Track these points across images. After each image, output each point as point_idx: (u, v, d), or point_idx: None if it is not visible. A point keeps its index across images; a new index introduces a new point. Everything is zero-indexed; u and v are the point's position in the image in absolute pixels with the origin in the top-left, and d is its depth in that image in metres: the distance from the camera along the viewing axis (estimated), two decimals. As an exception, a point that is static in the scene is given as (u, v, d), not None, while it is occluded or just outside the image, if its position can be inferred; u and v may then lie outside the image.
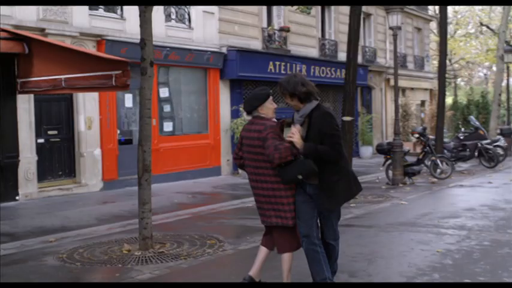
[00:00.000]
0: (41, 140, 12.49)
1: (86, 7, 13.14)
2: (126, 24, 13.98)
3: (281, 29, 18.97)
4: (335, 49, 21.86)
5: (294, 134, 4.81)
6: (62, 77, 10.05)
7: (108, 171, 13.59)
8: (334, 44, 21.87)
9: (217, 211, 10.83)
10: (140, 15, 7.22)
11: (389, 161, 14.18)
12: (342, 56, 21.91)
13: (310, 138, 4.81)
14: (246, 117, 6.35)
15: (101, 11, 13.70)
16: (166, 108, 15.23)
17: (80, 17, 12.98)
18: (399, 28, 14.17)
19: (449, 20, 40.35)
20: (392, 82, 25.54)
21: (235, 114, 16.73)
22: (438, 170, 14.58)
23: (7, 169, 11.67)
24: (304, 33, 20.16)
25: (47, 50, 10.64)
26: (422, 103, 29.05)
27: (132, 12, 14.04)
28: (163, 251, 7.10)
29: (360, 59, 23.19)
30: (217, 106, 16.55)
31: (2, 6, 11.30)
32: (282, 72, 18.45)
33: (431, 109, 26.09)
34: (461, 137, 17.61)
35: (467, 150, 17.18)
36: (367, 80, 23.16)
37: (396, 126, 14.27)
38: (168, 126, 15.25)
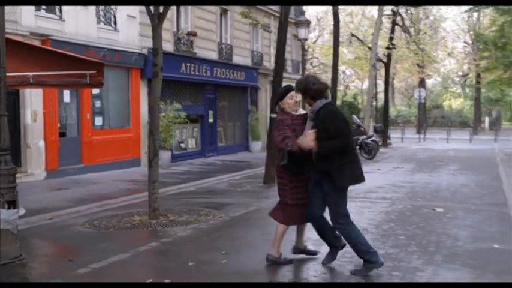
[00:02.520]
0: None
1: (32, 8, 14.10)
2: (65, 25, 15.08)
3: (189, 33, 20.78)
4: (231, 53, 24.08)
5: (307, 137, 5.57)
6: (30, 74, 11.19)
7: (51, 161, 14.64)
8: (230, 48, 24.08)
9: (170, 193, 12.51)
10: (153, 30, 8.85)
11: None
12: (236, 59, 24.29)
13: (318, 132, 5.51)
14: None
15: (43, 11, 14.69)
16: (97, 104, 16.47)
17: (28, 17, 13.93)
18: (306, 39, 16.74)
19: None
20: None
21: (154, 110, 18.29)
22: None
23: None
24: (207, 38, 22.14)
25: (13, 48, 11.65)
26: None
27: (70, 13, 15.24)
28: (173, 219, 8.85)
29: (249, 62, 25.75)
30: (138, 103, 18.02)
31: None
32: (192, 72, 20.37)
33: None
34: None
35: (351, 144, 20.23)
36: (257, 81, 25.68)
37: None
38: (98, 121, 16.50)
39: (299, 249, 6.35)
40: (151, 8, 8.84)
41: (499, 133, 37.32)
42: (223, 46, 23.61)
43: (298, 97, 6.01)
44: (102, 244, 7.26)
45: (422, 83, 45.94)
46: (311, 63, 44.51)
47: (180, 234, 7.76)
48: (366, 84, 46.23)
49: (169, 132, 18.74)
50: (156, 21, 8.80)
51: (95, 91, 16.32)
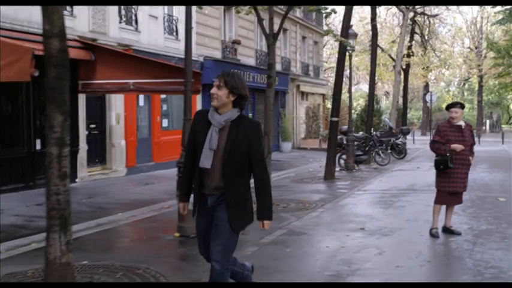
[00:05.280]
0: (86, 132, 14.84)
1: (117, 20, 15.64)
2: (140, 35, 16.65)
3: (234, 42, 22.39)
4: (265, 59, 25.68)
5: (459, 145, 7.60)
6: (131, 81, 12.75)
7: (130, 159, 16.20)
8: (265, 54, 25.69)
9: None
10: (268, 47, 10.46)
11: (340, 152, 18.35)
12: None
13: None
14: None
15: (123, 24, 16.23)
16: (164, 107, 18.05)
17: (113, 28, 15.48)
18: (353, 50, 18.38)
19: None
20: (301, 88, 30.10)
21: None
22: (379, 159, 19.08)
23: (71, 155, 13.89)
24: (247, 45, 23.77)
25: (112, 57, 13.18)
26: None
27: (144, 25, 16.80)
28: (285, 206, 10.46)
29: (279, 68, 27.41)
30: (195, 106, 19.58)
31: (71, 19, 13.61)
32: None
33: (326, 111, 30.98)
34: (378, 135, 22.32)
35: (384, 145, 21.93)
36: (288, 86, 27.35)
37: (350, 125, 18.51)
38: (165, 122, 18.08)
39: (446, 227, 8.04)
40: (266, 28, 10.44)
41: (504, 135, 39.11)
42: (259, 53, 25.24)
43: (458, 112, 7.71)
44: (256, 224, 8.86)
45: (426, 87, 47.88)
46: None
47: (310, 218, 9.38)
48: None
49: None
50: (271, 39, 10.41)
51: (163, 96, 17.89)
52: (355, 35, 18.37)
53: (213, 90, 4.28)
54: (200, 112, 4.44)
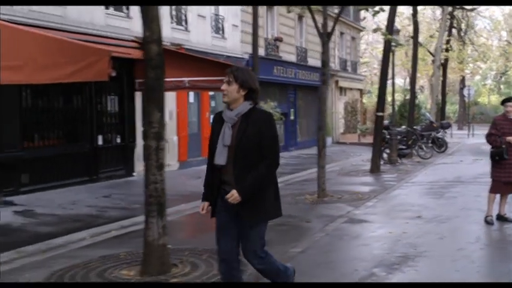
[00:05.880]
0: (142, 129, 15.51)
1: (168, 20, 16.29)
2: (190, 35, 17.29)
3: (276, 39, 22.93)
4: (305, 55, 26.19)
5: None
6: (186, 79, 13.38)
7: (182, 154, 16.90)
8: (305, 51, 26.19)
9: (295, 181, 14.59)
10: (323, 46, 10.99)
11: (384, 147, 18.74)
12: (311, 61, 26.39)
13: None
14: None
15: (174, 24, 16.89)
16: (213, 103, 18.70)
17: (166, 28, 16.11)
18: (396, 46, 18.76)
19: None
20: (340, 83, 30.48)
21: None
22: (422, 153, 19.44)
23: (129, 151, 14.72)
24: (288, 42, 24.27)
25: (167, 56, 13.80)
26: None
27: (193, 24, 17.42)
28: (339, 197, 10.98)
29: (319, 64, 27.80)
30: (240, 102, 20.19)
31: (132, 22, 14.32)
32: (281, 74, 22.53)
33: (369, 106, 31.31)
34: (419, 129, 22.61)
35: (425, 139, 22.21)
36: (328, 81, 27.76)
37: (392, 119, 18.90)
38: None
39: (500, 215, 8.45)
40: (320, 27, 10.96)
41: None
42: (300, 49, 25.72)
43: None
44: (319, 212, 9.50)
45: (462, 81, 47.67)
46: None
47: (366, 207, 9.89)
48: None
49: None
50: (325, 38, 10.93)
51: (210, 93, 18.53)
52: (397, 31, 18.73)
53: (223, 87, 4.25)
54: (217, 113, 4.43)
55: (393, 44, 16.77)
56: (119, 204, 10.95)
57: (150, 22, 5.90)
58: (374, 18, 15.87)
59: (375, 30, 14.30)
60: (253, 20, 9.53)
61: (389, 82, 17.80)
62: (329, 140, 27.45)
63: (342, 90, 31.70)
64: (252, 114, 4.19)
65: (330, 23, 11.11)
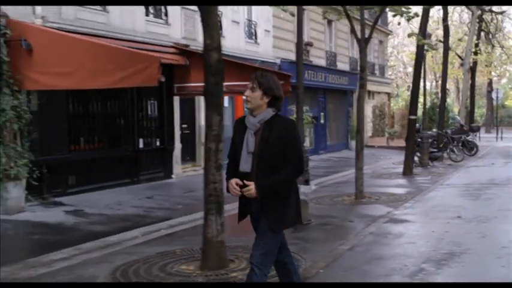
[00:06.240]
0: (179, 132, 15.98)
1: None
2: (224, 40, 17.66)
3: (306, 44, 23.23)
4: (334, 60, 26.45)
5: None
6: (224, 83, 13.73)
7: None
8: (334, 55, 26.46)
9: (332, 183, 14.88)
10: (360, 51, 11.27)
11: (415, 150, 18.91)
12: (340, 65, 26.65)
13: None
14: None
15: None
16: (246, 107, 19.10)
17: (201, 34, 16.53)
18: (427, 50, 18.95)
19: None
20: (368, 87, 30.60)
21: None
22: (453, 155, 19.58)
23: (168, 154, 15.15)
24: (318, 47, 24.57)
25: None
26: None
27: (228, 30, 17.83)
28: (377, 198, 11.24)
29: (348, 68, 28.08)
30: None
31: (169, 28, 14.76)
32: (312, 79, 22.82)
33: (397, 109, 31.43)
34: (450, 132, 22.71)
35: (455, 142, 22.31)
36: (356, 85, 27.98)
37: (424, 123, 19.09)
38: (246, 122, 19.09)
39: None
40: (358, 33, 11.26)
41: None
42: (329, 54, 26.00)
43: None
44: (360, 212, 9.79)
45: (490, 84, 47.42)
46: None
47: (405, 208, 10.14)
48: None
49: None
50: (363, 43, 11.22)
51: (244, 97, 18.87)
52: (429, 35, 18.92)
53: (247, 93, 4.25)
54: (238, 119, 4.46)
55: (426, 48, 16.98)
56: (163, 204, 11.36)
57: (211, 30, 6.26)
58: (401, 22, 16.08)
59: (409, 35, 14.54)
60: (298, 26, 9.79)
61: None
62: (358, 143, 27.67)
63: (370, 93, 31.82)
64: (275, 121, 4.18)
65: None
